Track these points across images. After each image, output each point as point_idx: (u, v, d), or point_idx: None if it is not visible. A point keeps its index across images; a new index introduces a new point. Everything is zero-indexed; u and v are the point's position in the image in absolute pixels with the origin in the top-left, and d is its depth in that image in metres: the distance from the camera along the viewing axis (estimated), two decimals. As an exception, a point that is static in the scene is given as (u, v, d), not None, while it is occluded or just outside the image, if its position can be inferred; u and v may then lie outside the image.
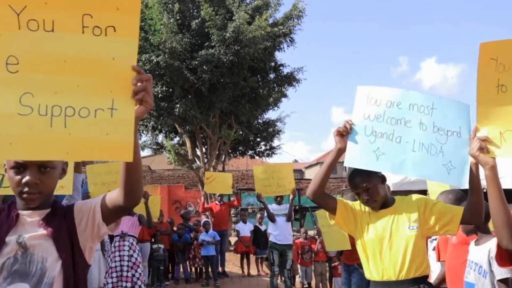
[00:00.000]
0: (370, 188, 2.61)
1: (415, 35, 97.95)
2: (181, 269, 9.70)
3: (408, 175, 3.33)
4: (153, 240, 9.03)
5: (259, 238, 10.67)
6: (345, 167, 2.95)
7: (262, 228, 10.81)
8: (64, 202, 3.14)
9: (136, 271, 5.67)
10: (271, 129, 20.19)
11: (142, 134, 19.59)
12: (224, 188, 10.15)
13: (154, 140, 19.17)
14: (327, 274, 10.61)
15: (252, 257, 10.90)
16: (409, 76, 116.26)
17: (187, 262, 9.77)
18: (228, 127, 15.74)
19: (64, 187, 4.00)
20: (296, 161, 60.50)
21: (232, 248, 11.46)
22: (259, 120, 19.83)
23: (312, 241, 10.66)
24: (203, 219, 9.83)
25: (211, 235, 9.38)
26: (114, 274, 5.61)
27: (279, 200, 7.58)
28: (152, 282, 8.92)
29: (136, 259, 5.70)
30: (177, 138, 19.20)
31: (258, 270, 10.71)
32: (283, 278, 7.94)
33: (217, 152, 16.29)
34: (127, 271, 5.62)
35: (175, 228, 9.96)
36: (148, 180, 26.93)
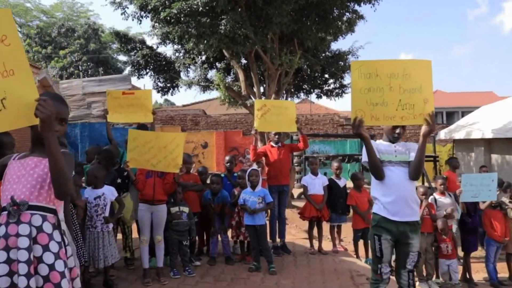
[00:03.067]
0: None
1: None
2: (220, 242, 6.22)
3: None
4: (172, 200, 5.56)
5: (335, 198, 6.92)
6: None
7: (341, 183, 7.03)
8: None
9: (47, 278, 2.09)
10: (341, 63, 16.19)
11: (189, 69, 16.19)
12: (284, 123, 6.45)
13: (203, 76, 15.61)
14: (433, 252, 7.02)
15: (325, 225, 7.22)
16: (488, 18, 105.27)
17: (230, 232, 6.27)
18: (290, 53, 11.80)
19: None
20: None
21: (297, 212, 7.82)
22: (327, 53, 15.78)
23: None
24: (251, 167, 6.20)
25: (259, 194, 5.77)
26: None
27: (397, 134, 3.66)
28: (171, 264, 5.49)
29: (53, 254, 2.11)
30: (231, 76, 15.64)
31: (334, 245, 7.02)
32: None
33: (276, 87, 12.43)
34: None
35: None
36: (202, 125, 23.77)
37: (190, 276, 5.45)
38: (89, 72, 31.46)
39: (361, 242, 6.99)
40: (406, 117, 3.36)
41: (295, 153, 16.36)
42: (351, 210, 7.02)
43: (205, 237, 6.53)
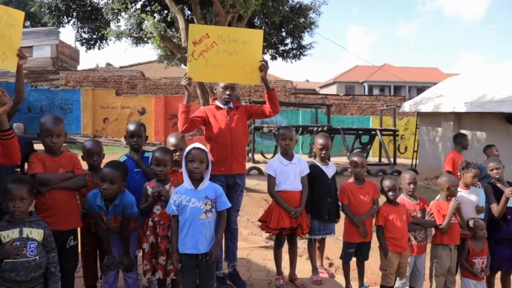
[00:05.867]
0: None
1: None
2: (121, 279, 3.27)
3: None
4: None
5: (320, 195, 4.08)
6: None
7: (329, 171, 4.18)
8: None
9: None
10: (302, 19, 13.44)
11: (120, 17, 12.85)
12: (239, 69, 3.57)
13: (135, 26, 12.30)
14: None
15: (302, 240, 4.43)
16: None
17: (142, 263, 3.33)
18: (243, -6, 8.75)
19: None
20: (307, 80, 53.41)
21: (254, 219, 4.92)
22: (285, 6, 12.90)
23: (424, 200, 4.53)
24: (190, 144, 3.26)
25: (206, 194, 2.91)
26: None
27: None
28: None
29: None
30: (172, 30, 12.49)
31: (315, 269, 4.21)
32: None
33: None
34: None
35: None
36: (140, 89, 20.33)
37: None
38: (14, 26, 26.75)
39: (353, 261, 4.31)
40: None
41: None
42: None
43: (98, 266, 3.56)
